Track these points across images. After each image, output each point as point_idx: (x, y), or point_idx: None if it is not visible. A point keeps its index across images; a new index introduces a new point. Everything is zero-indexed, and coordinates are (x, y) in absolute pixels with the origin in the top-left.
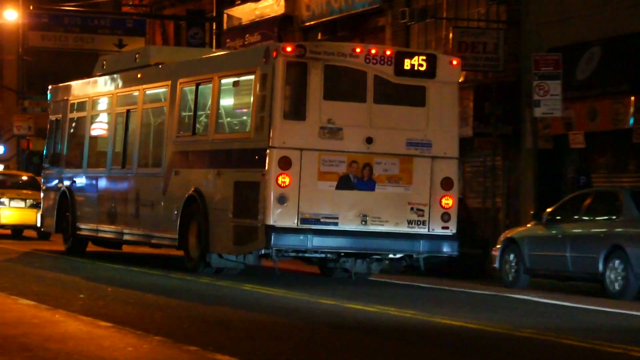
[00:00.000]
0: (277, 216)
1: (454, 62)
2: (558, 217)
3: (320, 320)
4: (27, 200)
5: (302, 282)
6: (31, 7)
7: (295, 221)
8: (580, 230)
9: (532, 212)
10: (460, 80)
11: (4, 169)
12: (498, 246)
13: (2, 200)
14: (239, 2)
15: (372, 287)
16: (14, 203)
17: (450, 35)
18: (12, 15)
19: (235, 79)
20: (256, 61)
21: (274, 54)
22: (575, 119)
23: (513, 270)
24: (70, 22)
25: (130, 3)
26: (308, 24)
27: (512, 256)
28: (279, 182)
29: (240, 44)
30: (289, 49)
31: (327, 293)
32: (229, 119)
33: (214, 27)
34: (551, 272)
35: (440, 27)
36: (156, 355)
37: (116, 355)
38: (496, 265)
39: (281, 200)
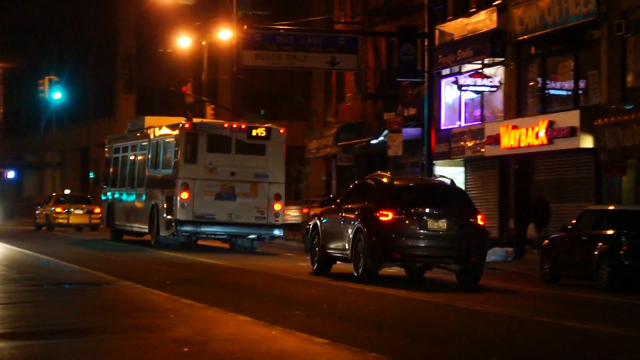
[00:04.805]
0: (181, 214)
1: (281, 131)
2: None
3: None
4: (83, 210)
5: (228, 253)
6: (245, 27)
7: (191, 217)
8: None
9: None
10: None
11: (71, 192)
12: None
13: (70, 210)
14: (450, 17)
15: (257, 255)
16: (76, 211)
17: None
18: (227, 35)
19: (170, 140)
20: (175, 130)
21: (179, 129)
22: None
23: None
24: (283, 41)
25: (342, 20)
26: (521, 38)
27: None
28: (182, 196)
29: (453, 60)
30: (187, 125)
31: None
32: (167, 161)
33: (426, 43)
34: None
35: None
36: None
37: None
38: None
39: (183, 205)
